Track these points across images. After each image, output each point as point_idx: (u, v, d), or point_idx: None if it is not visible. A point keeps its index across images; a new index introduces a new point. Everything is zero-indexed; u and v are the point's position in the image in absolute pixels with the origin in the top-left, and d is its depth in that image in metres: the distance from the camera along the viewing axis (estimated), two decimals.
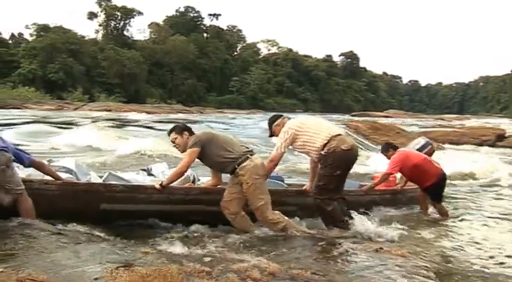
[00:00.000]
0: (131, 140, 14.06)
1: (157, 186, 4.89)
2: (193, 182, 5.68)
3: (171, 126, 5.36)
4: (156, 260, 3.51)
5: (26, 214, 4.33)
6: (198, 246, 4.23)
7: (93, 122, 24.62)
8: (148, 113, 40.34)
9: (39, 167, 4.84)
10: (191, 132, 5.17)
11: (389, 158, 6.86)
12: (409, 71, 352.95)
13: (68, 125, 21.25)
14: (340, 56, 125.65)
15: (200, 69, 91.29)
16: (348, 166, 5.22)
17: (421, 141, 7.93)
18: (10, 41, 78.93)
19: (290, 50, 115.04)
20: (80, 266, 3.24)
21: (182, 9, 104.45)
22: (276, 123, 5.47)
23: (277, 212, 4.98)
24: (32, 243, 3.74)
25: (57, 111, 38.93)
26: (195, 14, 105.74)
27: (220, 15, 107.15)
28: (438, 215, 6.73)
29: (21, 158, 4.63)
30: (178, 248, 4.14)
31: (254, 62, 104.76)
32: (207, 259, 3.67)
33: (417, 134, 15.31)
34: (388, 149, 7.04)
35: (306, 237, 4.92)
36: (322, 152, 5.12)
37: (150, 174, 6.05)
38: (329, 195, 5.12)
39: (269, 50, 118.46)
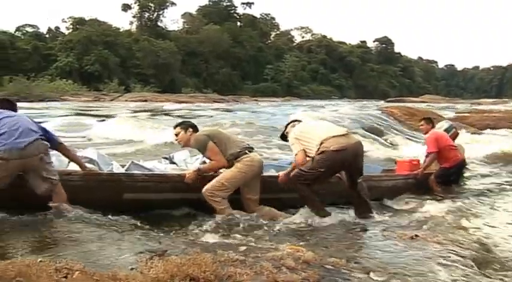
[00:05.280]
0: (164, 130, 14.11)
1: (193, 172, 4.98)
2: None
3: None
4: (190, 249, 3.53)
5: None
6: (231, 235, 4.24)
7: (128, 112, 24.89)
8: (182, 102, 40.59)
9: (65, 152, 4.84)
10: (196, 130, 5.35)
11: (422, 129, 7.58)
12: (444, 55, 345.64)
13: (104, 116, 21.50)
14: (374, 41, 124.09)
15: (234, 57, 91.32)
16: (335, 166, 5.17)
17: (444, 125, 7.91)
18: (47, 35, 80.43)
19: (324, 36, 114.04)
20: (115, 256, 3.29)
21: None
22: (286, 130, 5.75)
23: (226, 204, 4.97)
24: (68, 233, 3.82)
25: (94, 103, 39.56)
26: (228, 3, 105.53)
27: (253, 3, 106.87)
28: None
29: (50, 139, 4.62)
30: (211, 237, 4.16)
31: (288, 50, 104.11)
32: (241, 248, 3.67)
33: (453, 118, 15.06)
34: (423, 120, 7.64)
35: (338, 225, 4.88)
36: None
37: (172, 162, 6.08)
38: (303, 181, 5.10)
39: (303, 37, 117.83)
